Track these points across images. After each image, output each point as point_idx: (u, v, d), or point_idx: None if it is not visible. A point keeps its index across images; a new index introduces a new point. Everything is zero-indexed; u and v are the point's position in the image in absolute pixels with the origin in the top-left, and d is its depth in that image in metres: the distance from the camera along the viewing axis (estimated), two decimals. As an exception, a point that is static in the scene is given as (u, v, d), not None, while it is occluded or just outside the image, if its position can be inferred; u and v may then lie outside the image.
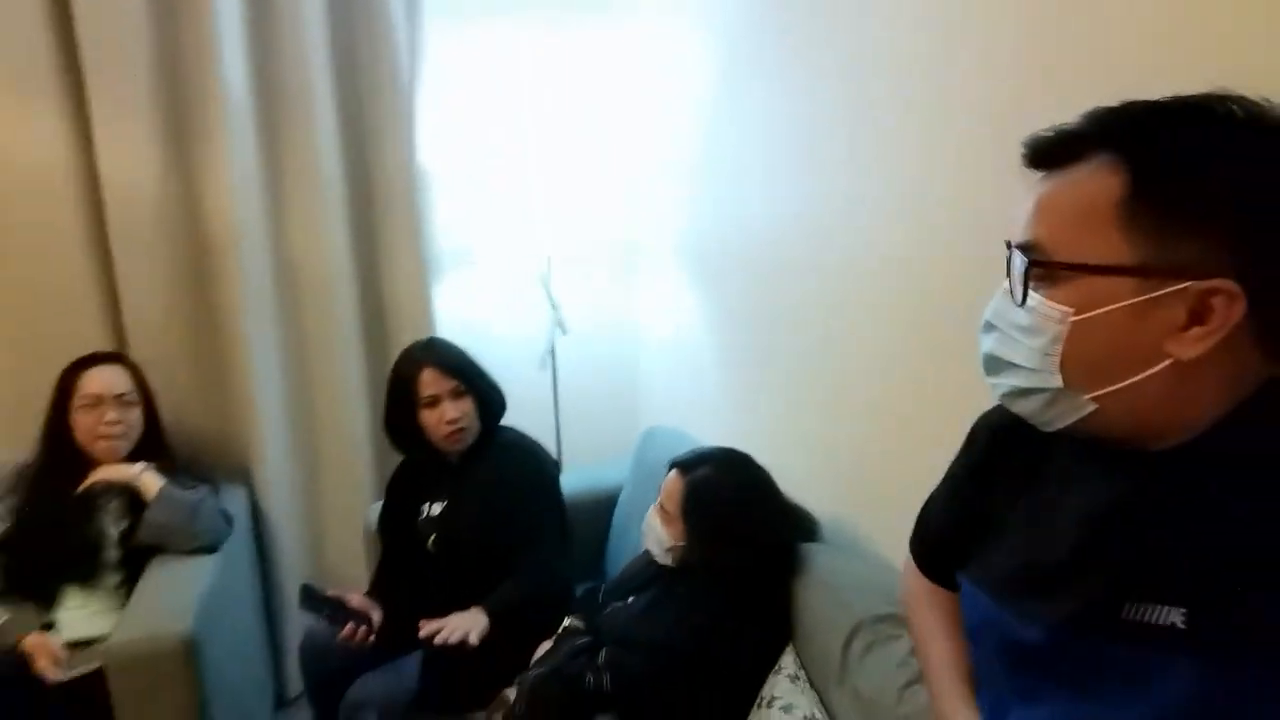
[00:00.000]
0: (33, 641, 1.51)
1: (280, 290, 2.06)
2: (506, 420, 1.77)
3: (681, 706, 1.26)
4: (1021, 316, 0.64)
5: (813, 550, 1.35)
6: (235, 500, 1.94)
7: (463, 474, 1.70)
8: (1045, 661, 0.67)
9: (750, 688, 1.25)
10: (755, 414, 1.83)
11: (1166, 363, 0.58)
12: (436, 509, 1.69)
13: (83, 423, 1.72)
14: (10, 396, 1.83)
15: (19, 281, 1.85)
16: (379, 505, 1.85)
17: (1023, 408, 0.67)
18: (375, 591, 1.71)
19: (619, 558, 1.84)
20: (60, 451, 1.73)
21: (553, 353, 2.31)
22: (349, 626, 1.54)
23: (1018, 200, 0.66)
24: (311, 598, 1.55)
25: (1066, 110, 0.63)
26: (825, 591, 1.25)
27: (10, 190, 1.80)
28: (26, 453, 1.75)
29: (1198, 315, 0.56)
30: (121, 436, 1.75)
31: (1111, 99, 0.61)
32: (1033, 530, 0.71)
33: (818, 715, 1.13)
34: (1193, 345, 0.57)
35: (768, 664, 1.27)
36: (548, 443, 1.86)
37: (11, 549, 1.65)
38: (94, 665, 1.46)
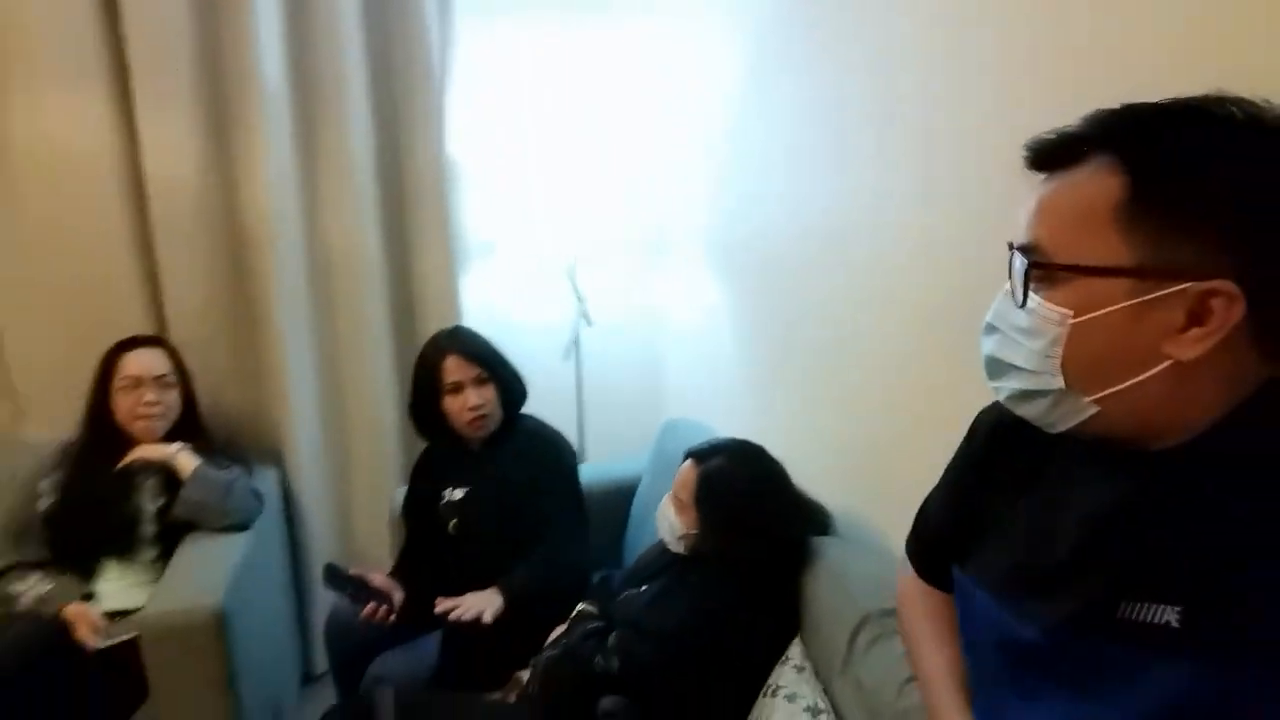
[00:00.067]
0: (73, 611, 1.56)
1: (313, 280, 2.10)
2: (531, 410, 1.79)
3: (692, 696, 1.27)
4: (1022, 318, 0.64)
5: (824, 543, 1.35)
6: (267, 481, 1.98)
7: (484, 461, 1.72)
8: (1044, 661, 0.67)
9: (759, 678, 1.26)
10: (773, 408, 1.83)
11: (1166, 364, 0.58)
12: (458, 494, 1.72)
13: (123, 403, 1.77)
14: (59, 379, 1.88)
15: (68, 269, 1.90)
16: (404, 490, 1.88)
17: (1028, 411, 0.67)
18: (398, 573, 1.74)
19: (637, 548, 1.84)
20: (101, 430, 1.78)
21: (577, 344, 2.34)
22: (370, 605, 1.56)
23: (1022, 201, 0.66)
24: (335, 576, 1.57)
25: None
26: (834, 584, 1.25)
27: (61, 180, 1.86)
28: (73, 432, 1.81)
29: (1197, 316, 0.56)
30: (160, 417, 1.80)
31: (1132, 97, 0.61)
32: (1033, 530, 0.71)
33: (821, 705, 1.13)
34: (1192, 346, 0.57)
35: (777, 655, 1.27)
36: (571, 433, 1.87)
37: (55, 523, 1.71)
38: (130, 634, 1.50)
